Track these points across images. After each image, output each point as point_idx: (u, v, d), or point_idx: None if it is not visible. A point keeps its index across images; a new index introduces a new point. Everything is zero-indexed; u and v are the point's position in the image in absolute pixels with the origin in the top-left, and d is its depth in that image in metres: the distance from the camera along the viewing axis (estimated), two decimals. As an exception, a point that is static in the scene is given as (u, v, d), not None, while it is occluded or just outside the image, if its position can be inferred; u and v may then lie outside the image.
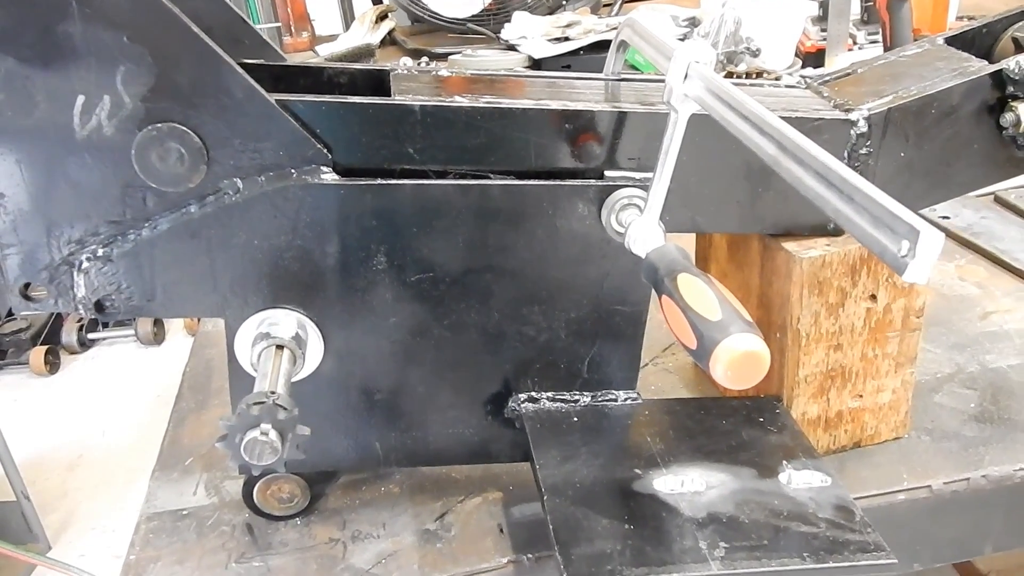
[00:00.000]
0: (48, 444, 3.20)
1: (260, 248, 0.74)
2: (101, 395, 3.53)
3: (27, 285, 0.75)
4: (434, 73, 0.84)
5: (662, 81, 0.75)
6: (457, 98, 0.75)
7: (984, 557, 1.83)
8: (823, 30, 2.05)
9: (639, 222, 0.73)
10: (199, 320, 3.90)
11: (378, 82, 0.83)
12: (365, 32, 2.66)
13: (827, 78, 0.90)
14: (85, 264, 0.74)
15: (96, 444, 3.23)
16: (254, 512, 0.90)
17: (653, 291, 0.69)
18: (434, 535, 0.88)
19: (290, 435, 0.68)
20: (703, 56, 0.67)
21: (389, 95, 0.78)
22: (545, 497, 0.74)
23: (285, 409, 0.67)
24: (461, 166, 0.76)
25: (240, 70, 0.69)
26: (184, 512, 0.94)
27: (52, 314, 3.69)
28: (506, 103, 0.76)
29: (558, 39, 2.24)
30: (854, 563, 0.70)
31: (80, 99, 0.68)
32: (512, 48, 2.29)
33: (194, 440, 1.05)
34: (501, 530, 0.88)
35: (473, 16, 2.48)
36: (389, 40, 2.60)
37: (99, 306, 0.76)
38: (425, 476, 0.95)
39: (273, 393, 0.68)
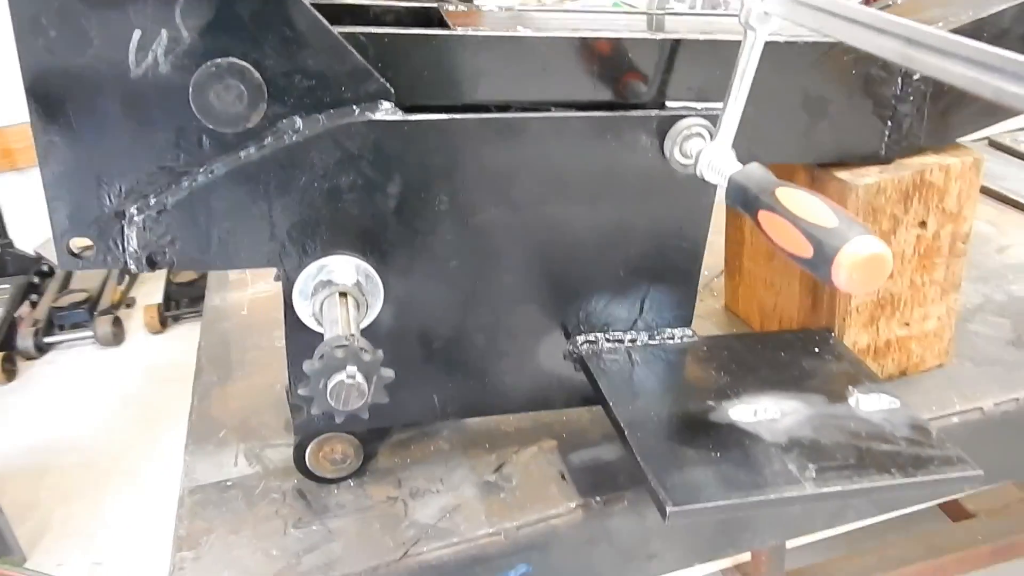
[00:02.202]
0: (13, 454, 3.08)
1: (320, 190, 0.72)
2: (63, 400, 3.41)
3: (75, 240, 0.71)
4: (485, 8, 0.82)
5: (705, 14, 0.73)
6: (520, 29, 0.73)
7: (971, 497, 1.87)
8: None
9: (711, 148, 0.72)
10: (161, 317, 3.76)
11: (426, 19, 0.81)
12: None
13: (871, 7, 0.90)
14: (136, 216, 0.70)
15: (63, 450, 3.12)
16: (305, 476, 0.87)
17: (739, 214, 0.68)
18: (495, 486, 0.86)
19: (375, 377, 0.65)
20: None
21: None
22: (626, 432, 0.73)
23: (367, 351, 0.65)
24: (523, 100, 0.74)
25: (304, 0, 0.66)
26: (228, 483, 0.90)
27: (4, 320, 3.55)
28: (567, 33, 0.74)
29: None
30: (943, 476, 0.70)
31: (136, 34, 0.64)
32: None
33: (224, 412, 1.01)
34: (563, 477, 0.87)
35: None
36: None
37: (151, 261, 0.72)
38: (474, 430, 0.93)
39: (353, 336, 0.66)
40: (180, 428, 1.08)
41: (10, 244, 3.81)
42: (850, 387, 0.80)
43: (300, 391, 0.65)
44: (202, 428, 1.00)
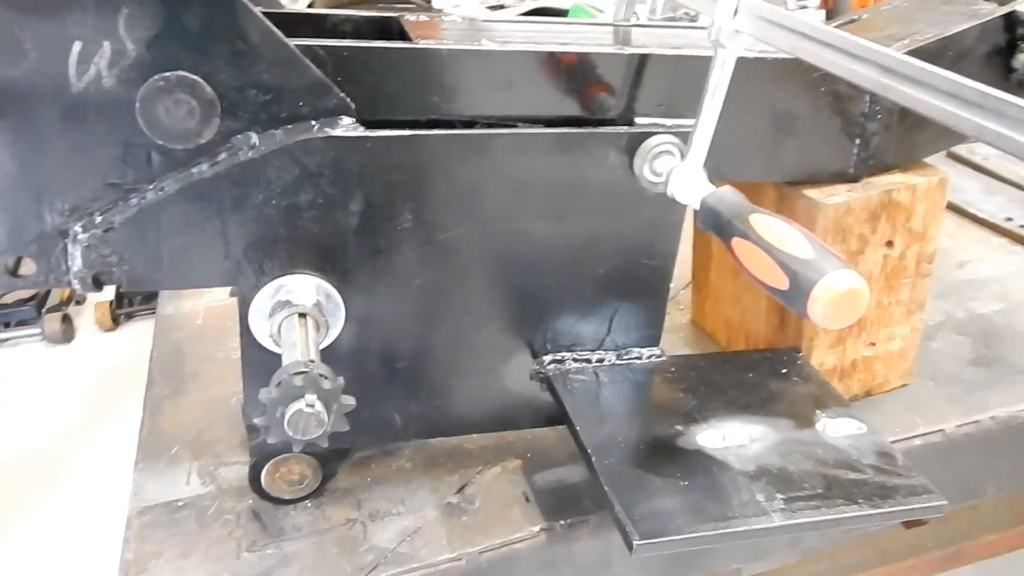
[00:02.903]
0: (-41, 454, 2.98)
1: (277, 208, 0.69)
2: (9, 399, 3.31)
3: (16, 260, 0.67)
4: (449, 18, 0.79)
5: (673, 27, 0.72)
6: (484, 42, 0.71)
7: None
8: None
9: (682, 168, 0.70)
10: (112, 314, 3.67)
11: (385, 30, 0.78)
12: (286, 1, 2.55)
13: (832, 25, 0.90)
14: (81, 234, 0.67)
15: (8, 450, 3.04)
16: (260, 497, 0.84)
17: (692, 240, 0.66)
18: (458, 508, 0.84)
19: (335, 406, 0.63)
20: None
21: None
22: (593, 459, 0.72)
23: (327, 378, 0.62)
24: (489, 115, 0.72)
25: (257, 11, 0.63)
26: (179, 503, 0.87)
27: (-52, 315, 3.44)
28: (534, 47, 0.72)
29: (494, 7, 2.20)
30: (908, 507, 0.70)
31: (76, 46, 0.61)
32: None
33: (177, 427, 0.98)
34: (527, 498, 0.85)
35: (402, -16, 2.40)
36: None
37: (96, 281, 0.69)
38: (437, 449, 0.91)
39: (312, 362, 0.63)
40: (131, 430, 1.03)
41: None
42: (817, 411, 0.79)
43: (256, 420, 0.62)
44: (153, 444, 0.96)
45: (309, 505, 0.85)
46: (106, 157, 0.65)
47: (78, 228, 0.66)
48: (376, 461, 0.90)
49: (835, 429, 0.77)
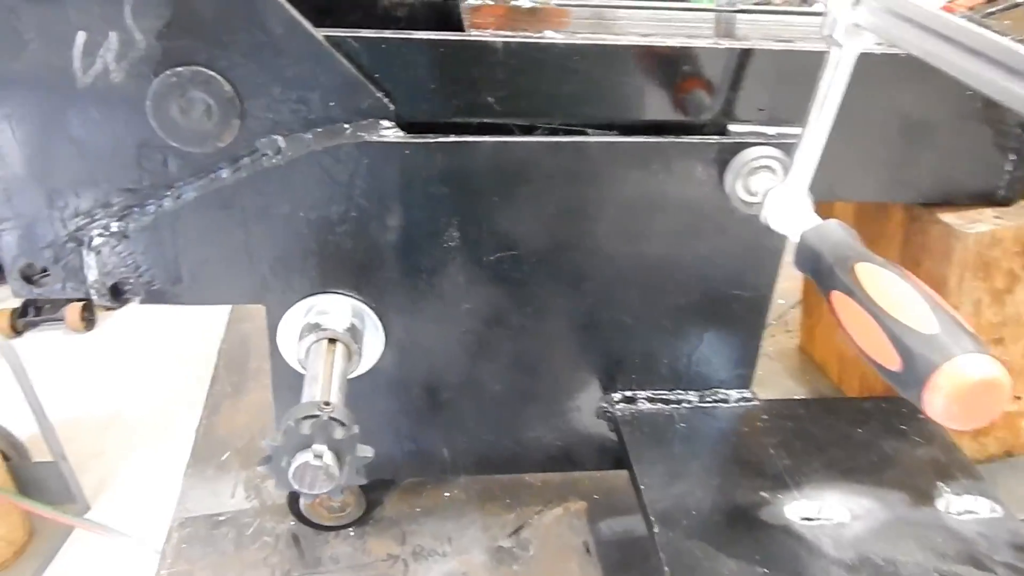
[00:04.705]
0: (83, 403, 3.13)
1: (306, 220, 0.61)
2: (138, 353, 3.45)
3: (29, 265, 0.62)
4: (512, 4, 0.69)
5: (790, 13, 0.59)
6: (548, 33, 0.60)
7: None
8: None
9: (781, 191, 0.58)
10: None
11: (444, 18, 0.69)
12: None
13: (990, 10, 0.74)
14: (96, 241, 0.61)
15: (132, 403, 3.16)
16: (300, 521, 0.78)
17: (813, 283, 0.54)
18: (509, 554, 0.75)
19: (348, 457, 0.55)
20: (878, -24, 0.52)
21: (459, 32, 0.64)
22: (656, 529, 0.61)
23: (343, 425, 0.54)
24: (552, 119, 0.62)
25: (280, -2, 0.55)
26: (221, 517, 0.82)
27: (87, 269, 3.59)
28: (608, 40, 0.61)
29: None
30: (1048, 623, 0.56)
31: (80, 37, 0.54)
32: None
33: (231, 430, 0.93)
34: (587, 549, 0.75)
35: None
36: None
37: (115, 291, 0.63)
38: (494, 480, 0.82)
39: (327, 404, 0.55)
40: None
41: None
42: (939, 483, 0.66)
43: (259, 468, 0.55)
44: (206, 447, 0.92)
45: (351, 534, 0.78)
46: (119, 160, 0.59)
47: (93, 235, 0.61)
48: (428, 489, 0.82)
49: (960, 508, 0.64)
